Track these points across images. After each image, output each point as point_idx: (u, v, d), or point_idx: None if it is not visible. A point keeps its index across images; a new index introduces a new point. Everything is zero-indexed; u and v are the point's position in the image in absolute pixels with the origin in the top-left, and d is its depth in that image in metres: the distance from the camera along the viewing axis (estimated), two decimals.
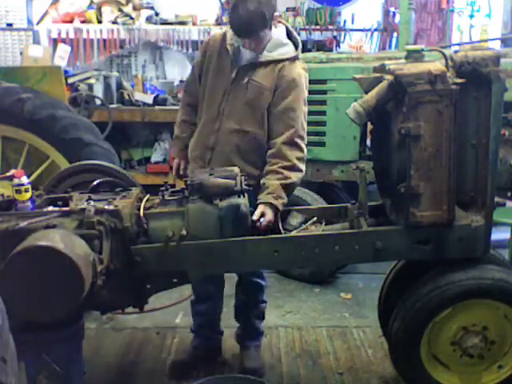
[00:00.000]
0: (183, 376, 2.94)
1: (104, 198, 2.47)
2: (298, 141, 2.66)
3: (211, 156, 2.76)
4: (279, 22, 2.71)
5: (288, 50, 2.72)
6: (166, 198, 2.54)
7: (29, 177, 2.46)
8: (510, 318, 2.48)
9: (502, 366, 2.53)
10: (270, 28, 2.63)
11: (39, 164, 3.68)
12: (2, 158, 3.72)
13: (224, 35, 2.79)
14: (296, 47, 2.75)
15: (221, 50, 2.77)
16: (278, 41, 2.70)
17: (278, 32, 2.71)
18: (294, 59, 2.71)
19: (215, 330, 3.14)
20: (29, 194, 2.39)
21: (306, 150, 2.70)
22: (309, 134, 4.20)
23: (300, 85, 2.67)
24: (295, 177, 2.63)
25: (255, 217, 2.48)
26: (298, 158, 2.65)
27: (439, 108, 2.27)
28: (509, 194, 3.56)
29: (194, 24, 6.26)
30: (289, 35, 2.77)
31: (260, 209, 2.53)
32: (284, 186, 2.59)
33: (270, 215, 2.52)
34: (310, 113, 4.17)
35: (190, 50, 6.23)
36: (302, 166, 2.68)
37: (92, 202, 2.39)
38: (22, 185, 2.38)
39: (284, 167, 2.61)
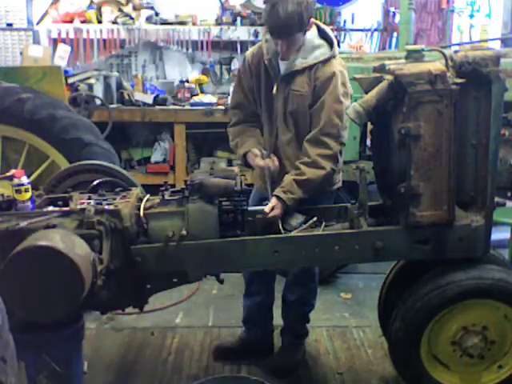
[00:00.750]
0: (227, 359, 3.08)
1: (104, 198, 2.47)
2: (323, 138, 2.61)
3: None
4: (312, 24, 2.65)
5: (323, 52, 2.66)
6: (166, 197, 2.54)
7: (29, 177, 2.46)
8: (510, 318, 2.48)
9: (502, 365, 2.53)
10: (305, 33, 2.60)
11: (39, 164, 3.68)
12: (2, 158, 3.72)
13: (259, 49, 2.76)
14: (331, 46, 2.68)
15: (261, 65, 2.74)
16: (310, 43, 2.64)
17: (309, 34, 2.64)
18: (328, 60, 2.65)
19: (263, 327, 3.14)
20: (29, 194, 2.39)
21: (335, 146, 2.63)
22: None
23: (333, 83, 2.60)
24: (312, 173, 2.59)
25: (267, 209, 2.53)
26: (320, 155, 2.60)
27: (439, 108, 2.27)
28: (509, 194, 3.55)
29: (194, 24, 6.25)
30: (321, 33, 2.70)
31: (272, 202, 2.56)
32: (297, 182, 2.58)
33: (277, 209, 2.55)
34: None
35: (190, 50, 6.23)
36: (326, 164, 2.61)
37: (92, 202, 2.39)
38: (22, 185, 2.38)
39: (303, 163, 2.62)
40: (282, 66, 2.68)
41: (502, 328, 2.49)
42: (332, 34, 2.73)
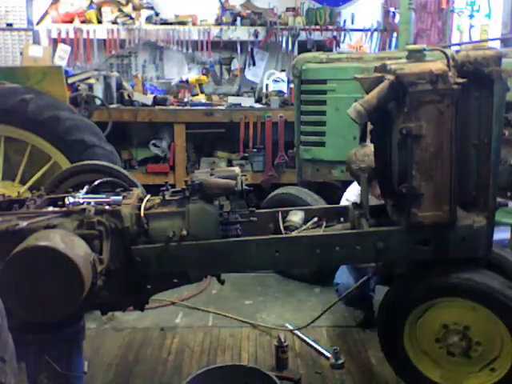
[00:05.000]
0: None
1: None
2: None
3: None
4: None
5: None
6: (167, 198, 2.54)
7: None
8: (493, 322, 2.42)
9: (495, 368, 2.49)
10: None
11: (41, 165, 3.67)
12: (5, 159, 3.72)
13: None
14: None
15: None
16: None
17: None
18: None
19: None
20: None
21: None
22: (309, 134, 4.26)
23: None
24: None
25: None
26: None
27: (441, 108, 2.27)
28: (509, 194, 3.54)
29: (193, 24, 6.25)
30: None
31: None
32: None
33: None
34: (310, 113, 4.21)
35: (190, 50, 6.23)
36: None
37: (92, 202, 2.39)
38: None
39: None
40: None
41: (486, 330, 2.45)
42: None
